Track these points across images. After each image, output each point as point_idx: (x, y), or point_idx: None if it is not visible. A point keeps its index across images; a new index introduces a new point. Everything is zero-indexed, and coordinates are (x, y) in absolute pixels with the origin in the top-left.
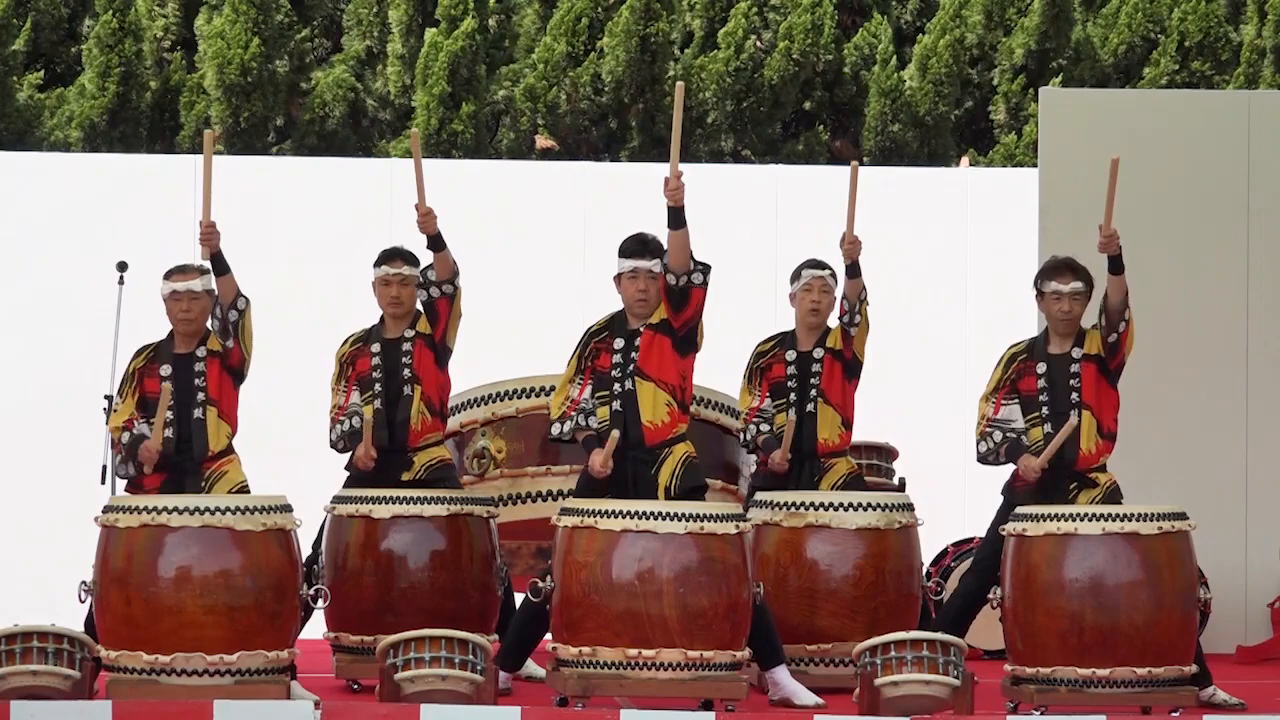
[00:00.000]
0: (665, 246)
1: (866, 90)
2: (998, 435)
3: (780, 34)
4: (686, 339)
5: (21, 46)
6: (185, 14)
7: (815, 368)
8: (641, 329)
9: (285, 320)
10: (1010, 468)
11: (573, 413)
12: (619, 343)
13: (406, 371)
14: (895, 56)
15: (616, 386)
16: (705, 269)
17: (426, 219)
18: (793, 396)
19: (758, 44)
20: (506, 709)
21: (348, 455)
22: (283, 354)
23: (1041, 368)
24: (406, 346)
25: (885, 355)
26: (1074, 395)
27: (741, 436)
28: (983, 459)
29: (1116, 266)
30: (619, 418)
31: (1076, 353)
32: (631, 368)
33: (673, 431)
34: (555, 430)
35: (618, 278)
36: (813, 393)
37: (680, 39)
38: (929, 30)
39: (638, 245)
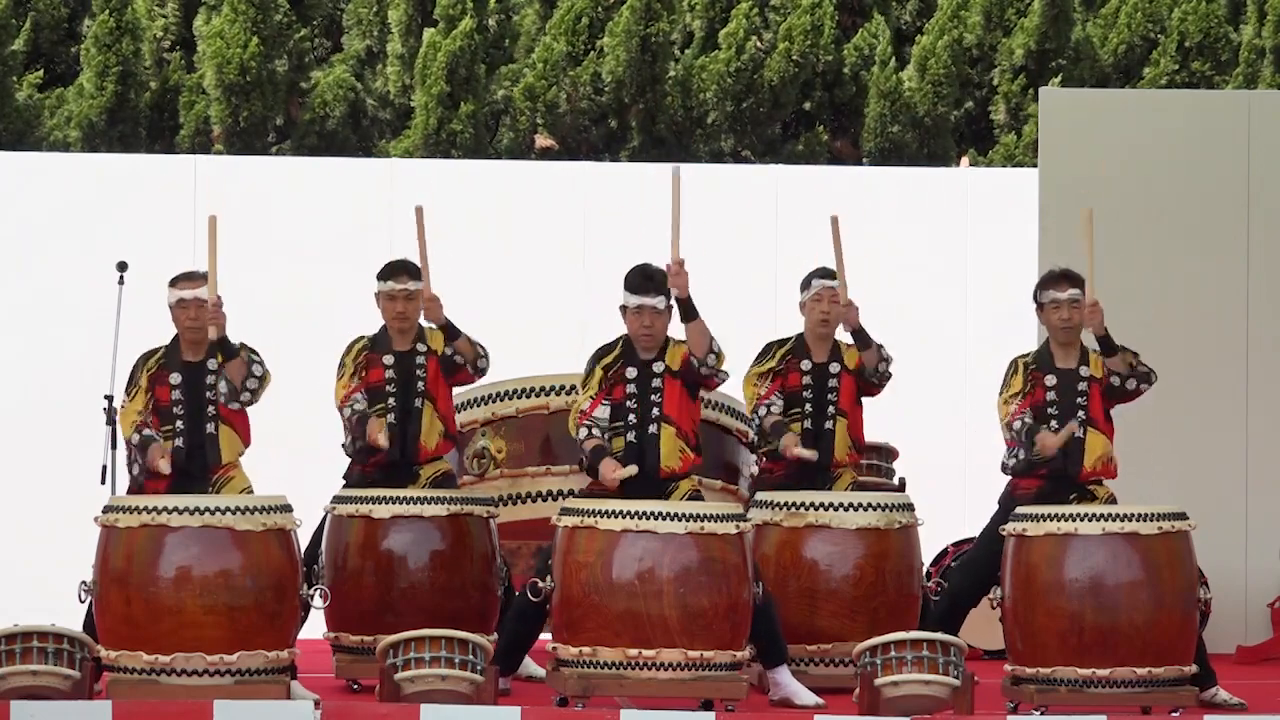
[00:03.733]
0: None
1: (866, 91)
2: (1018, 423)
3: (780, 34)
4: (698, 388)
5: (21, 46)
6: (184, 14)
7: (832, 383)
8: (661, 373)
9: (285, 320)
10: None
11: (585, 422)
12: (631, 371)
13: (420, 385)
14: (895, 57)
15: (632, 418)
16: (721, 368)
17: (432, 307)
18: (808, 408)
19: (758, 44)
20: (506, 709)
21: (348, 461)
22: (282, 354)
23: (1050, 380)
24: (420, 360)
25: None
26: (1082, 413)
27: (754, 422)
28: (1008, 467)
29: (1108, 347)
30: (634, 450)
31: (1084, 370)
32: (656, 412)
33: (685, 471)
34: (580, 436)
35: (623, 309)
36: (830, 409)
37: (680, 39)
38: (928, 31)
39: (642, 280)
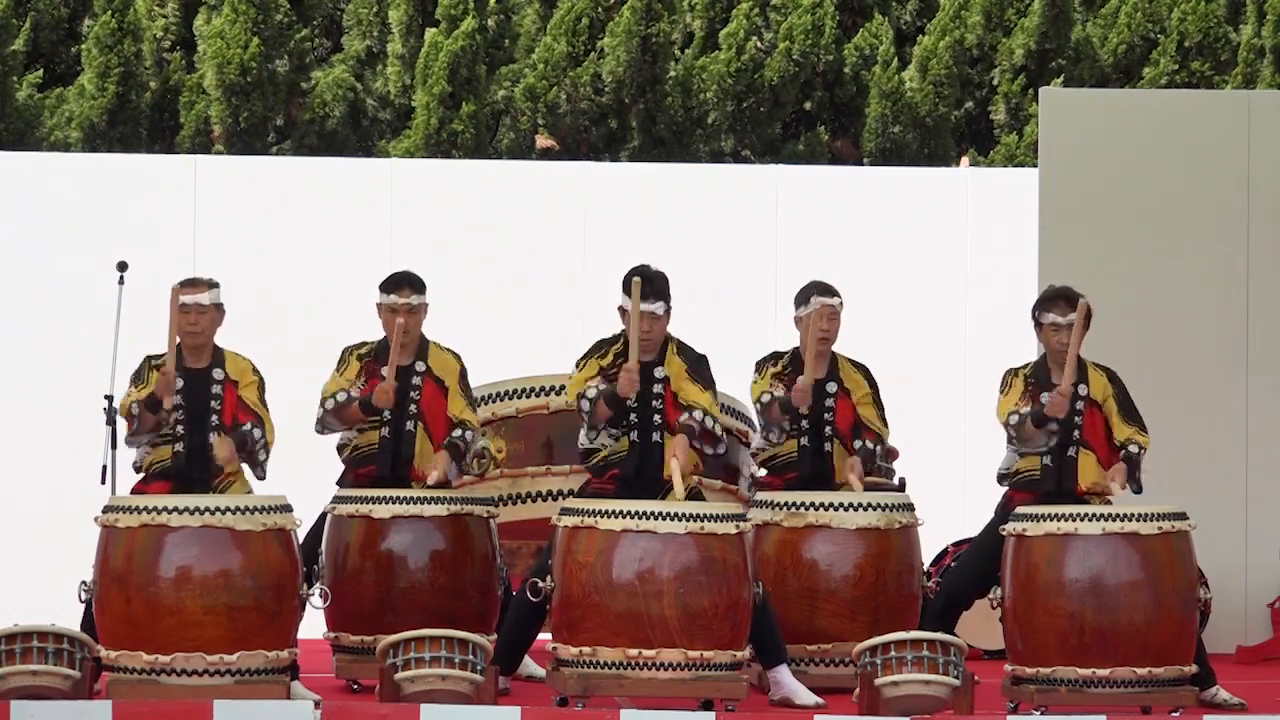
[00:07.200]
0: (669, 285)
1: (867, 91)
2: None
3: (781, 34)
4: None
5: (21, 46)
6: (185, 14)
7: (829, 402)
8: (663, 379)
9: (284, 320)
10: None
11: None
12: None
13: (413, 406)
14: (896, 57)
15: (634, 417)
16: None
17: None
18: (805, 424)
19: (758, 44)
20: (506, 709)
21: (348, 461)
22: (281, 354)
23: (1046, 396)
24: (416, 380)
25: (885, 355)
26: (1076, 432)
27: (757, 406)
28: (1003, 476)
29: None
30: (637, 452)
31: (1082, 389)
32: (659, 419)
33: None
34: (584, 404)
35: (621, 311)
36: (828, 430)
37: (681, 39)
38: (929, 31)
39: (641, 285)
